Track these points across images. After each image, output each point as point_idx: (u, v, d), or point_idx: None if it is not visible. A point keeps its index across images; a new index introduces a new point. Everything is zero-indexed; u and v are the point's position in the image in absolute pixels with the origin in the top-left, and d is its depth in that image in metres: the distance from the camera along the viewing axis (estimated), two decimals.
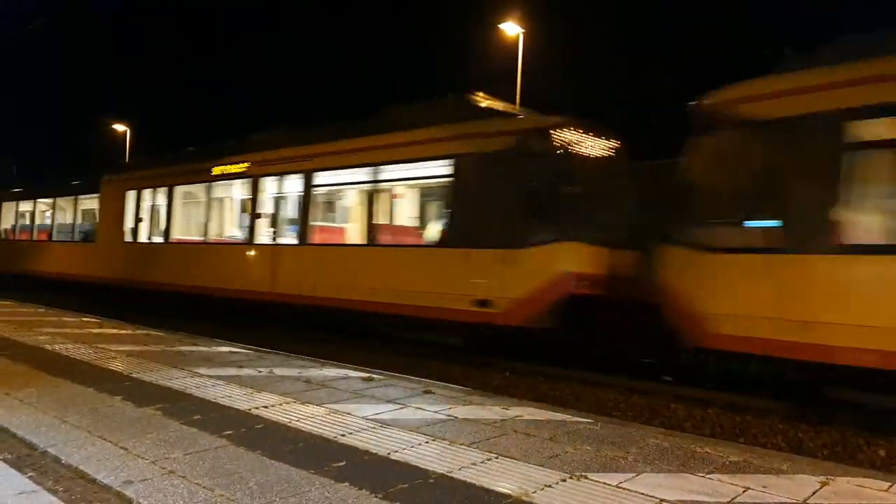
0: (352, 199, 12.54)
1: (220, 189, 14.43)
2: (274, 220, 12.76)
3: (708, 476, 3.66)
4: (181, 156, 16.04)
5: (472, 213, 9.58)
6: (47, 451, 3.83)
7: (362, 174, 11.31)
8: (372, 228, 11.24)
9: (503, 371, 8.96)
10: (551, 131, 9.24)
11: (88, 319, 10.88)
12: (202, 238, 14.45)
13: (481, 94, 10.85)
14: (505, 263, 8.91)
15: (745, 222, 7.15)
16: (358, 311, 10.77)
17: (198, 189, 14.83)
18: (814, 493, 3.45)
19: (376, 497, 3.21)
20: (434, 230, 10.80)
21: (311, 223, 11.94)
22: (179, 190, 15.22)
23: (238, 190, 14.27)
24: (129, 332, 9.42)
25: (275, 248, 12.54)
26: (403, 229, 11.90)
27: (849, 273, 6.35)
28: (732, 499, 3.32)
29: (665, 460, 3.94)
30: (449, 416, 4.91)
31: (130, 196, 16.48)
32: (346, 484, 3.37)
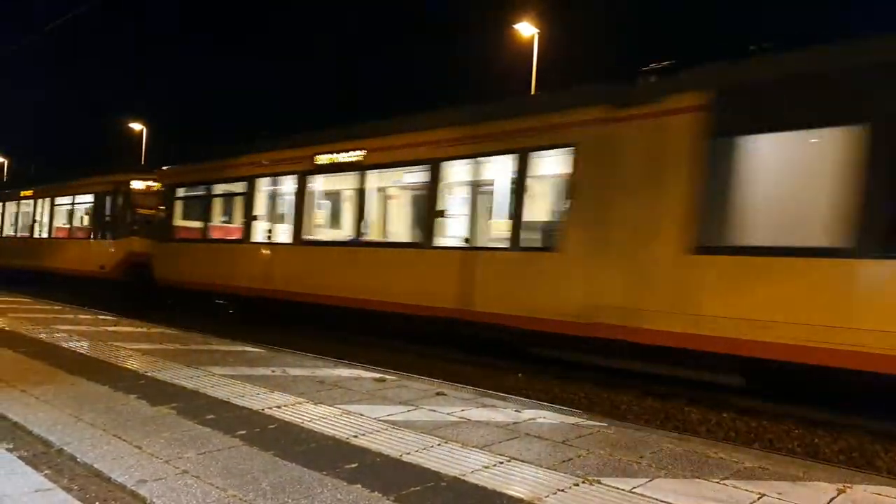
0: (67, 212, 21.54)
1: (24, 205, 24.38)
2: (41, 224, 22.67)
3: (722, 482, 3.62)
4: (14, 182, 27.35)
5: (99, 221, 19.15)
6: (63, 450, 3.87)
7: (68, 200, 20.93)
8: (73, 229, 20.79)
9: (516, 373, 8.96)
10: (130, 182, 18.31)
11: (104, 317, 10.99)
12: (17, 234, 24.73)
13: (129, 162, 21.60)
14: (109, 247, 18.23)
15: (162, 229, 16.03)
16: (61, 274, 20.11)
17: (13, 204, 25.19)
18: (830, 500, 3.41)
19: (388, 499, 3.21)
20: (89, 230, 20.03)
21: (54, 225, 21.79)
22: (8, 205, 25.56)
23: (28, 206, 23.98)
24: (145, 330, 9.50)
25: (40, 239, 22.48)
26: (81, 228, 20.67)
27: (228, 251, 14.36)
28: None
29: (679, 465, 3.91)
30: (461, 418, 4.90)
31: None
32: (359, 486, 3.37)
